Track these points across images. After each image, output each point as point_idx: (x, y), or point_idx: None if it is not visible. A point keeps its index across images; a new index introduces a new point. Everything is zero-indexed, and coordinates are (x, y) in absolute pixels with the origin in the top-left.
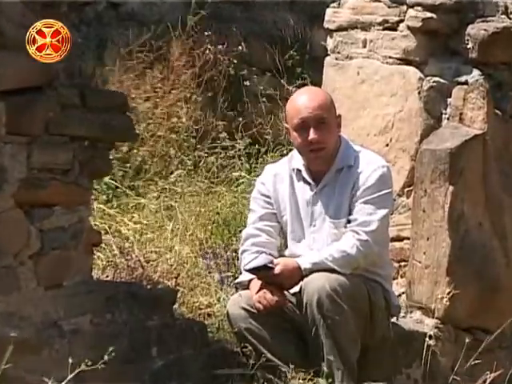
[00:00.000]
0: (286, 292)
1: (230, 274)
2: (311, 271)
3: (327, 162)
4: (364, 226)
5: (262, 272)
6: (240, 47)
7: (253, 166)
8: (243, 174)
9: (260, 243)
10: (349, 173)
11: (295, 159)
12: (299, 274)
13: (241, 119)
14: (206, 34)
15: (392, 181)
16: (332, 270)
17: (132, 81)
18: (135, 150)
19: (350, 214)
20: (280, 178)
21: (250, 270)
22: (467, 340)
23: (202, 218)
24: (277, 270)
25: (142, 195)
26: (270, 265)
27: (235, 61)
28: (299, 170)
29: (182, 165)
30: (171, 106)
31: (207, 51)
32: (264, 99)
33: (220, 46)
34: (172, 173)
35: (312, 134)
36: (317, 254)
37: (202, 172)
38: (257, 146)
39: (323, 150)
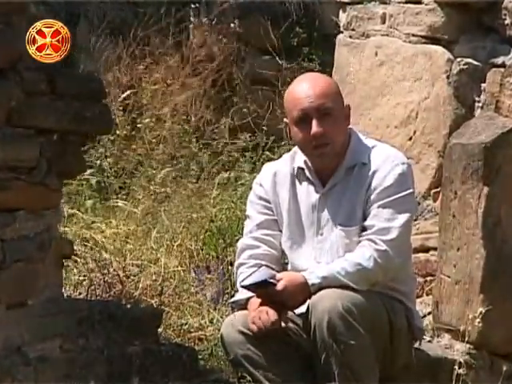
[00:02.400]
0: (290, 312)
1: (225, 290)
2: (320, 287)
3: (335, 160)
4: (382, 234)
5: (262, 289)
6: (235, 23)
7: (255, 163)
8: (243, 174)
9: (259, 255)
10: (362, 171)
11: (298, 156)
12: (306, 291)
13: (235, 109)
14: (193, 6)
15: (414, 180)
16: (345, 287)
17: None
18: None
19: (364, 220)
20: (281, 178)
21: (248, 287)
22: (505, 368)
23: (192, 225)
24: (279, 286)
25: (123, 198)
26: (272, 280)
27: (225, 39)
28: (302, 169)
29: (171, 162)
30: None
31: (191, 25)
32: (264, 85)
33: (205, 19)
34: (161, 168)
35: (315, 127)
36: (327, 268)
37: (194, 171)
38: (256, 139)
39: (328, 146)
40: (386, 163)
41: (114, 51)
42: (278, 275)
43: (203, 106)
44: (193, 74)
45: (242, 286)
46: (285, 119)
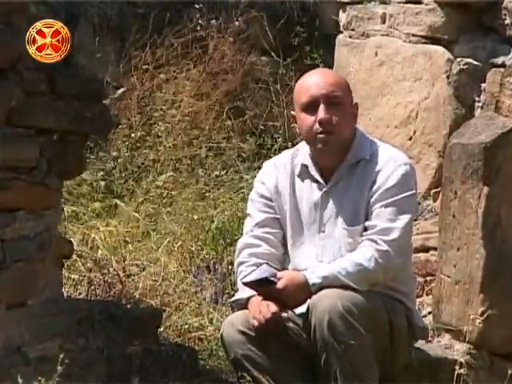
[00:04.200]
0: (290, 312)
1: (224, 290)
2: (321, 287)
3: (339, 156)
4: (384, 234)
5: (263, 287)
6: (237, 22)
7: (256, 165)
8: (245, 175)
9: (259, 254)
10: (365, 170)
11: (301, 153)
12: (306, 291)
13: (236, 108)
14: (197, 6)
15: (416, 181)
16: (345, 287)
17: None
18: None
19: (366, 219)
20: (283, 175)
21: (249, 284)
22: (510, 372)
23: (193, 226)
24: (280, 285)
25: (124, 198)
26: (273, 278)
27: (231, 38)
28: (306, 166)
29: (175, 165)
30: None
31: (198, 27)
32: (266, 85)
33: (213, 21)
34: (162, 172)
35: (322, 113)
36: (327, 267)
37: (197, 173)
38: (258, 141)
39: (333, 135)
40: (389, 163)
41: (128, 58)
42: (279, 274)
43: (217, 114)
44: (209, 84)
45: (243, 283)
46: (292, 112)
